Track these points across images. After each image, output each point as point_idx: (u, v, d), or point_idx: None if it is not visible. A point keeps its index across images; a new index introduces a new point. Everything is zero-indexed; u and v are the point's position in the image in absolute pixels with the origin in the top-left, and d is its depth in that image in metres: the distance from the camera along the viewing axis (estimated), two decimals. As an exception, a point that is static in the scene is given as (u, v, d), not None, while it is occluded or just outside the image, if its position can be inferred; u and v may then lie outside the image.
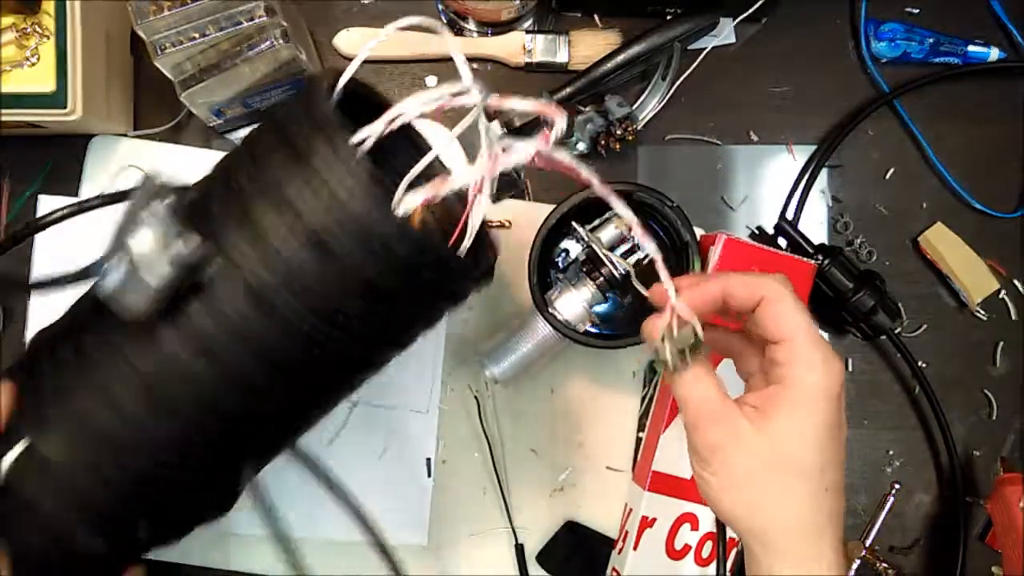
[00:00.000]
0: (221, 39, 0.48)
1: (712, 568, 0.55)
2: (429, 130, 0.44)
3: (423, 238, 0.33)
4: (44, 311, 0.58)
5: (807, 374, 0.35)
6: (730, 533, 0.55)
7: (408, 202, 0.32)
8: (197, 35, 0.48)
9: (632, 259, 0.53)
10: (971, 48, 0.62)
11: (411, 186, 0.33)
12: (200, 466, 0.38)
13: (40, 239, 0.58)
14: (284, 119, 0.35)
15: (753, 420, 0.35)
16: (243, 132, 0.56)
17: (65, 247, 0.58)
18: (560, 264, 0.55)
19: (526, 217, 0.57)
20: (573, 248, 0.54)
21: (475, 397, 0.58)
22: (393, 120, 0.33)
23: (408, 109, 0.33)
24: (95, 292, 0.37)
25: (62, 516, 0.37)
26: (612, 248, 0.54)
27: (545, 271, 0.55)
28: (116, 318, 0.33)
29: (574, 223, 0.53)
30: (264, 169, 0.34)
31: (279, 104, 0.47)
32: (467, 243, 0.36)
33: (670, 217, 0.52)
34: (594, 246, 0.52)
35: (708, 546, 0.55)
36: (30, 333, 0.57)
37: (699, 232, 0.58)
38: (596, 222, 0.54)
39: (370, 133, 0.33)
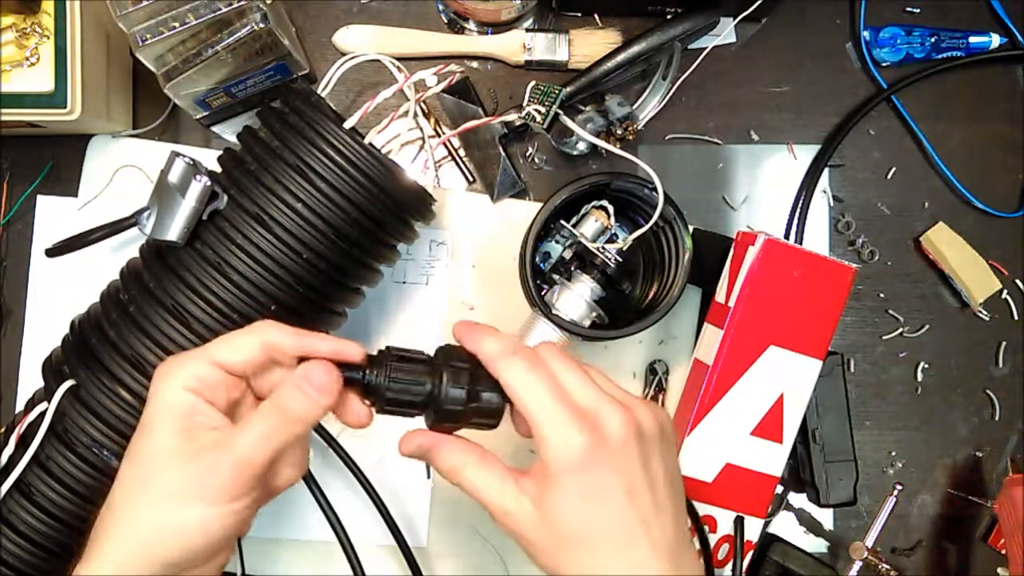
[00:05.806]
0: (200, 27, 0.48)
1: (728, 569, 0.54)
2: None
3: (395, 170, 0.46)
4: (44, 312, 0.58)
5: (546, 451, 0.36)
6: (748, 535, 0.54)
7: None
8: (176, 24, 0.48)
9: (613, 248, 0.53)
10: (972, 40, 0.61)
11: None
12: None
13: (38, 242, 0.58)
14: (283, 112, 0.46)
15: (533, 502, 0.37)
16: (228, 123, 0.57)
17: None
18: (542, 267, 0.54)
19: (526, 217, 0.57)
20: (554, 250, 0.54)
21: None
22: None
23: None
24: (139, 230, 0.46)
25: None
26: (595, 240, 0.53)
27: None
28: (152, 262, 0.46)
29: (562, 221, 0.53)
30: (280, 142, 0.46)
31: (277, 100, 0.49)
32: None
33: (651, 200, 0.52)
34: (583, 241, 0.52)
35: (725, 548, 0.55)
36: (29, 333, 0.57)
37: (693, 228, 0.58)
38: (574, 219, 0.54)
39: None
